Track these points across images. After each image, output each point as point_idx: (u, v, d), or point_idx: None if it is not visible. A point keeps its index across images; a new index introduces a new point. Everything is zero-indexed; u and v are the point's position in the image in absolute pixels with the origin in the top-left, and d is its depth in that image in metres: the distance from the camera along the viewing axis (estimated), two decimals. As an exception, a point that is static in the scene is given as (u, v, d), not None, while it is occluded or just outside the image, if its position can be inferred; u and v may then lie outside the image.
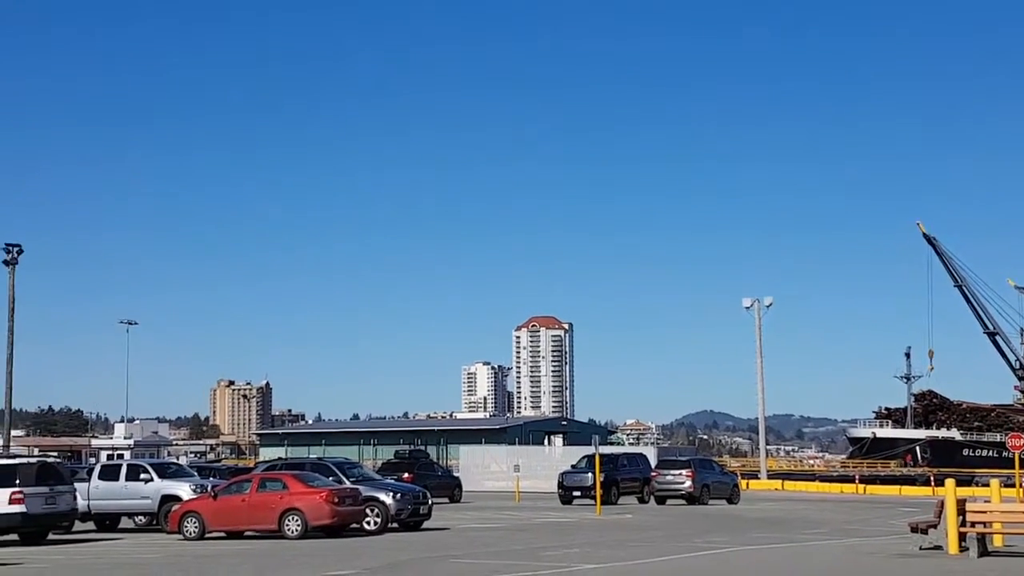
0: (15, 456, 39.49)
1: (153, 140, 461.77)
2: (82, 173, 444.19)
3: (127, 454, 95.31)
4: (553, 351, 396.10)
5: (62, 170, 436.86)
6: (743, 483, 65.64)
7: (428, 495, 35.35)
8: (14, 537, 29.64)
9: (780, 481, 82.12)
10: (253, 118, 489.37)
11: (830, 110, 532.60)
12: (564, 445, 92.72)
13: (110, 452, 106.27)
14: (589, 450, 48.08)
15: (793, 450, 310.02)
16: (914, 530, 24.09)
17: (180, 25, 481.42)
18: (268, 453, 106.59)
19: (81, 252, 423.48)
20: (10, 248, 61.53)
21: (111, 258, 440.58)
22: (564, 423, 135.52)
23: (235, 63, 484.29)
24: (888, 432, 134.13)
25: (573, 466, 51.96)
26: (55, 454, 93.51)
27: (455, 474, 60.73)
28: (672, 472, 50.34)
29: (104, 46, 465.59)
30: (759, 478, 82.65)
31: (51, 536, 30.88)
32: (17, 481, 28.65)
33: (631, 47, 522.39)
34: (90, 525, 35.21)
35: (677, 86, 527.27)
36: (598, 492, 43.02)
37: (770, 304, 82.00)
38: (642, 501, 50.52)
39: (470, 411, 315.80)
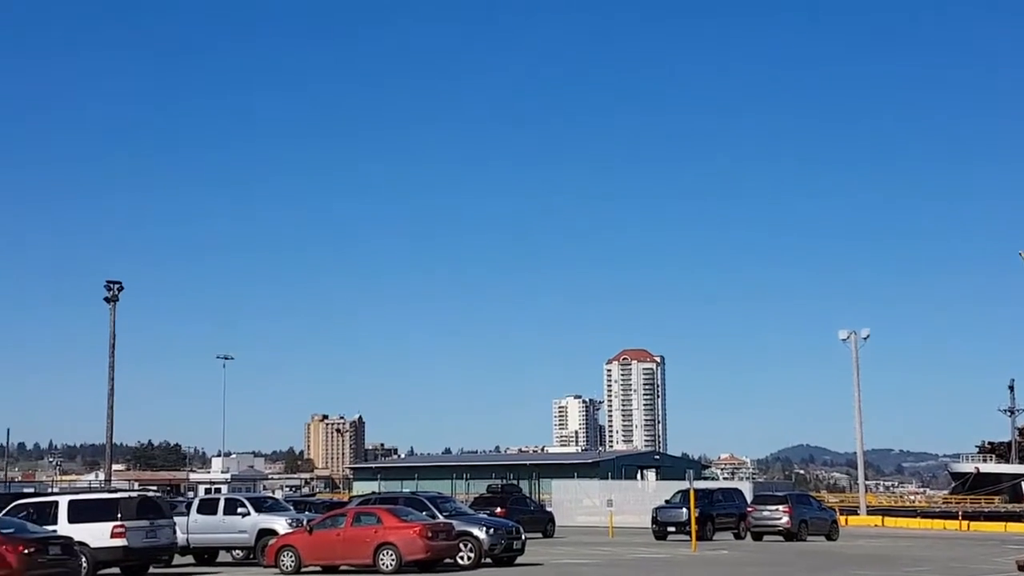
0: (116, 490, 40.08)
1: (234, 174, 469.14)
2: (175, 207, 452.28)
3: (224, 488, 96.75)
4: (645, 384, 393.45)
5: (161, 207, 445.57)
6: (841, 519, 64.41)
7: (521, 530, 35.20)
8: (116, 571, 30.06)
9: (880, 517, 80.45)
10: (344, 155, 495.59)
11: (930, 148, 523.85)
12: (657, 480, 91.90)
13: (208, 486, 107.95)
14: (683, 485, 47.56)
15: (893, 485, 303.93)
16: (1021, 568, 23.47)
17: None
18: (361, 487, 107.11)
19: (179, 288, 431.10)
20: (111, 285, 62.77)
21: (208, 294, 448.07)
22: (657, 457, 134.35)
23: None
24: (992, 467, 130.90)
25: (667, 501, 51.44)
26: (155, 488, 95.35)
27: (548, 508, 60.45)
28: (769, 507, 49.53)
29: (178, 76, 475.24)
30: (858, 514, 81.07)
31: (152, 570, 31.27)
32: (119, 515, 29.03)
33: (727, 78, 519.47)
34: (189, 559, 35.59)
35: (766, 122, 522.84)
36: (693, 527, 42.48)
37: (867, 336, 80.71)
38: (738, 537, 49.82)
39: (562, 445, 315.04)
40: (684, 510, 46.09)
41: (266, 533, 34.10)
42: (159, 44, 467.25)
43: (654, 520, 49.31)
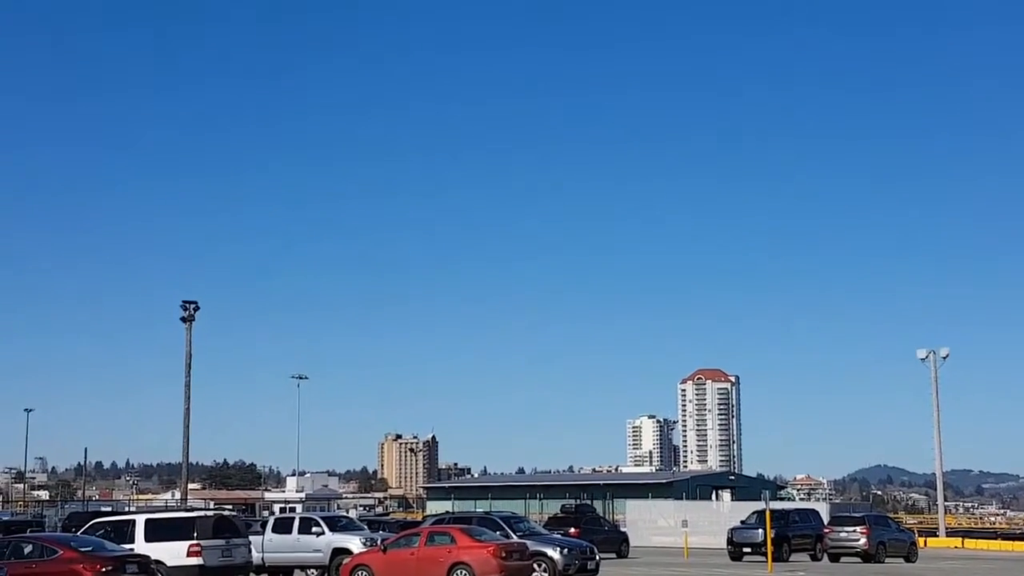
0: (192, 509, 40.48)
1: (316, 199, 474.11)
2: (252, 230, 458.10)
3: (299, 507, 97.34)
4: (720, 404, 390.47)
5: (236, 227, 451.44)
6: (920, 540, 63.22)
7: (595, 550, 35.05)
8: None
9: (960, 539, 78.82)
10: (420, 181, 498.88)
11: (1008, 163, 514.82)
12: (732, 500, 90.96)
13: (282, 505, 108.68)
14: (759, 505, 47.07)
15: (973, 507, 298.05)
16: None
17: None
18: (435, 507, 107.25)
19: (254, 308, 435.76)
20: (187, 305, 63.46)
21: (283, 314, 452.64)
22: (732, 478, 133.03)
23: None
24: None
25: (743, 522, 50.87)
26: (230, 507, 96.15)
27: (622, 529, 60.07)
28: (846, 529, 48.77)
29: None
30: (937, 535, 79.56)
31: (227, 588, 31.47)
32: (195, 534, 29.28)
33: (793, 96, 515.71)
34: (264, 577, 35.83)
35: (838, 142, 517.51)
36: (769, 548, 41.96)
37: (946, 356, 79.40)
38: (815, 558, 49.10)
39: (635, 465, 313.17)
40: (760, 531, 45.58)
41: (340, 552, 34.25)
42: (238, 68, 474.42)
43: (729, 541, 48.83)
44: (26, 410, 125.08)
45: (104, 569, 25.60)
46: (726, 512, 65.92)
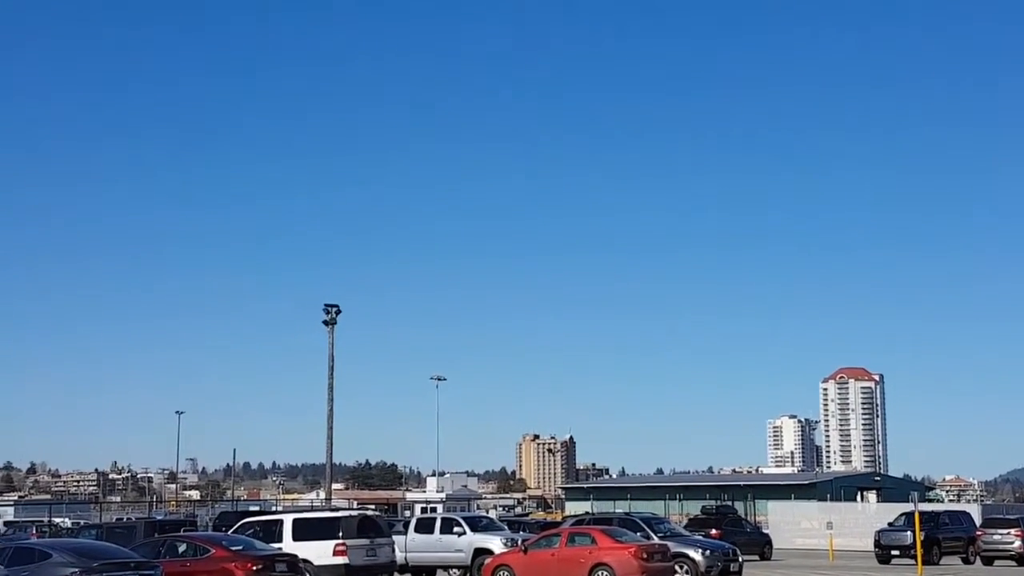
0: (337, 509, 41.22)
1: (457, 202, 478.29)
2: (393, 233, 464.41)
3: (440, 507, 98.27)
4: (863, 403, 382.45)
5: (376, 231, 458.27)
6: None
7: (738, 552, 34.68)
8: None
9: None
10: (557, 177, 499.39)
11: None
12: (878, 502, 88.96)
13: (424, 505, 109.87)
14: (907, 507, 45.97)
15: None
16: None
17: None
18: (573, 507, 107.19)
19: (394, 310, 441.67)
20: (329, 308, 64.58)
21: (421, 316, 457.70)
22: (877, 479, 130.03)
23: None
24: None
25: (890, 524, 49.77)
26: (373, 507, 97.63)
27: (764, 530, 59.27)
28: (1000, 531, 47.24)
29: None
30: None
31: (372, 587, 31.92)
32: (340, 533, 29.81)
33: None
34: (407, 577, 36.27)
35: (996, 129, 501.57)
36: (918, 551, 40.91)
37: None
38: (966, 562, 47.74)
39: (776, 465, 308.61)
40: (909, 533, 44.53)
41: (482, 552, 34.51)
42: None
43: (877, 543, 47.84)
44: (177, 413, 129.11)
45: (255, 568, 26.22)
46: (872, 514, 64.57)
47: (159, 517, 60.50)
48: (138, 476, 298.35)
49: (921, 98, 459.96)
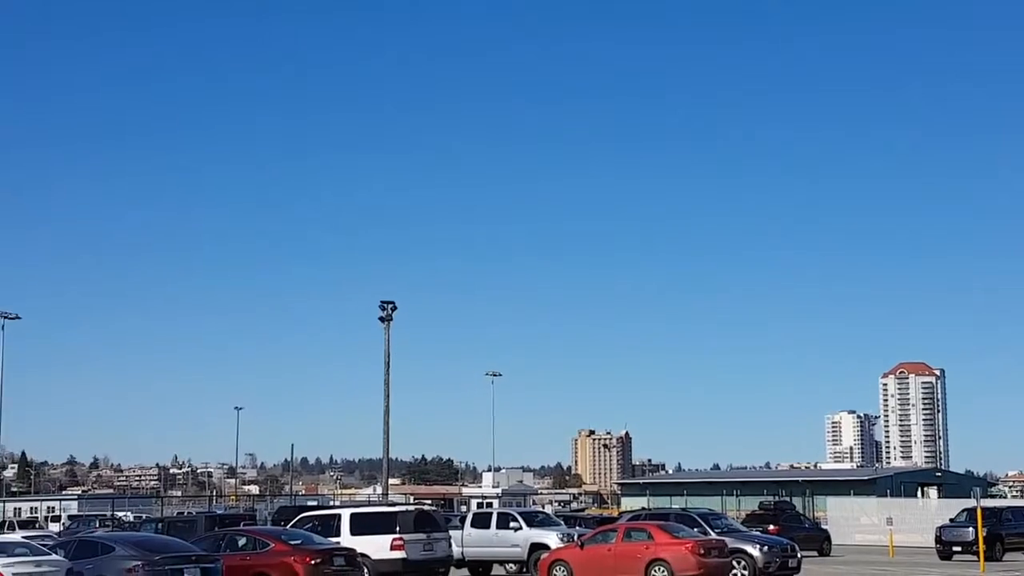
0: (395, 504, 41.45)
1: (521, 200, 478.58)
2: (449, 230, 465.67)
3: (496, 503, 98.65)
4: (924, 398, 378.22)
5: (430, 228, 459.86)
6: None
7: (796, 548, 34.44)
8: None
9: None
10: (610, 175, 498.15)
11: None
12: (939, 497, 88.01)
13: (480, 500, 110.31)
14: (969, 503, 45.43)
15: None
16: None
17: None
18: (629, 503, 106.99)
19: (449, 307, 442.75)
20: (385, 305, 64.97)
21: (477, 312, 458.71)
22: (938, 474, 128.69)
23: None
24: None
25: (952, 520, 49.18)
26: (429, 502, 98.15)
27: (823, 526, 58.84)
28: (1064, 527, 46.61)
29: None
30: None
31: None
32: (397, 528, 29.96)
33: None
34: (464, 571, 36.32)
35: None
36: (981, 548, 40.40)
37: None
38: (1030, 558, 47.08)
39: (835, 461, 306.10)
40: (971, 529, 43.98)
41: (538, 547, 34.52)
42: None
43: (938, 539, 47.25)
44: (236, 408, 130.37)
45: (314, 562, 26.43)
46: (933, 510, 63.88)
47: (219, 511, 61.16)
48: (198, 471, 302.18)
49: (986, 92, 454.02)
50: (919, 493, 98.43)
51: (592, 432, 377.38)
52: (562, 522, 40.19)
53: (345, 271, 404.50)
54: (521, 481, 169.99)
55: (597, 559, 30.56)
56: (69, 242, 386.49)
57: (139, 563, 23.45)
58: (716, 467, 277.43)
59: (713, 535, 32.60)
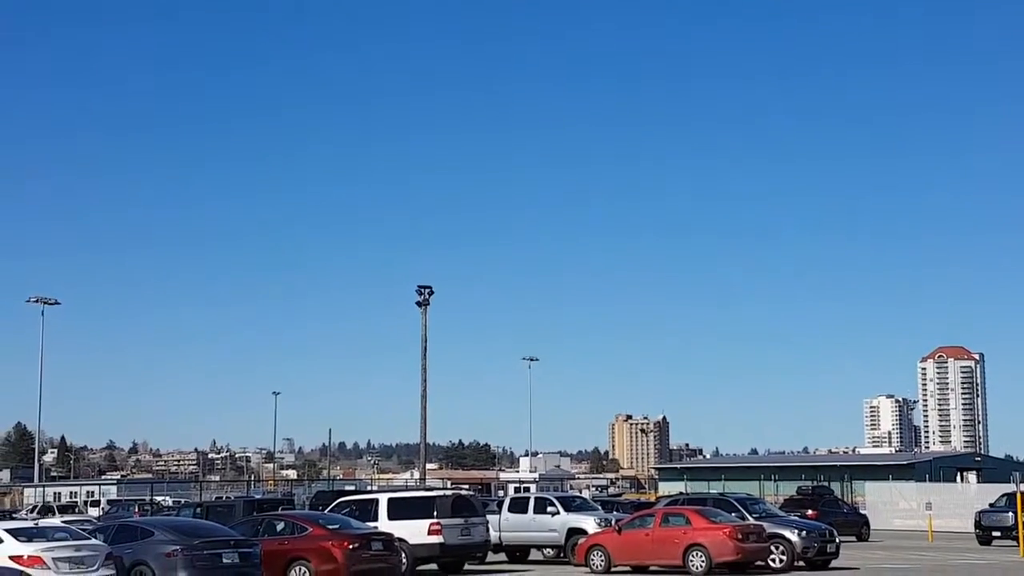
0: (432, 488, 41.53)
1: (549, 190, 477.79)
2: (485, 215, 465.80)
3: (533, 487, 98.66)
4: (963, 383, 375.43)
5: (465, 215, 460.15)
6: None
7: (835, 533, 34.24)
8: (433, 567, 31.10)
9: None
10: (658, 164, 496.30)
11: None
12: (978, 482, 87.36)
13: (517, 485, 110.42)
14: (1009, 488, 45.03)
15: None
16: None
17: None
18: (667, 487, 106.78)
19: (486, 291, 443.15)
20: (422, 290, 65.12)
21: (514, 296, 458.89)
22: (978, 459, 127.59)
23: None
24: None
25: (992, 504, 48.81)
26: (467, 486, 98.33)
27: (861, 511, 58.55)
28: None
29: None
30: None
31: (466, 566, 32.14)
32: (435, 513, 30.04)
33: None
34: (501, 556, 36.34)
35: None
36: (1021, 532, 40.04)
37: None
38: (1071, 544, 46.64)
39: (873, 446, 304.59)
40: (1011, 514, 43.65)
41: (575, 532, 34.51)
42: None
43: (977, 524, 46.95)
44: (274, 393, 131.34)
45: (351, 546, 26.53)
46: (972, 495, 63.44)
47: (257, 496, 61.61)
48: (236, 456, 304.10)
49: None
50: (958, 478, 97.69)
51: (629, 417, 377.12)
52: (599, 507, 40.14)
53: (383, 256, 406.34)
54: (558, 466, 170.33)
55: (635, 544, 30.56)
56: (111, 231, 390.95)
57: (178, 547, 23.64)
58: (754, 452, 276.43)
59: (751, 520, 32.46)
